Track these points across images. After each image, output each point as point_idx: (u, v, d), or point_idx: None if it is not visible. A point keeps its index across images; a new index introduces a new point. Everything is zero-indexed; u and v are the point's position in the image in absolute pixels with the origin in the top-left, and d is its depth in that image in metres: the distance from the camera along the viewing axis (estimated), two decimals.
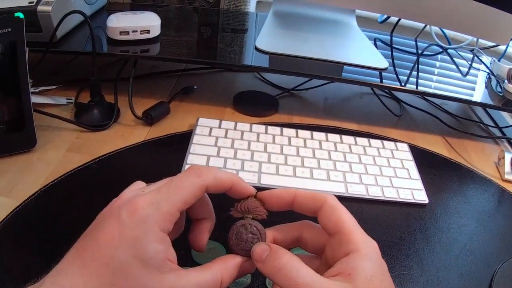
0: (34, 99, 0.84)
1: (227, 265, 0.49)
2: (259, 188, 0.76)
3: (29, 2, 0.90)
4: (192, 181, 0.47)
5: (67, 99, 0.96)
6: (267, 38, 1.09)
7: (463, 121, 1.16)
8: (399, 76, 1.06)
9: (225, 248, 0.65)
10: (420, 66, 1.15)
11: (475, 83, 1.16)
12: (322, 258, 0.51)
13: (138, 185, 0.53)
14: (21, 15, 0.74)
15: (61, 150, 0.83)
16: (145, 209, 0.44)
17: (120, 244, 0.42)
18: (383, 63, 1.06)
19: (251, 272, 0.51)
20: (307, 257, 0.53)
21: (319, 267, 0.49)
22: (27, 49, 0.77)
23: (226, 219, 0.54)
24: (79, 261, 0.42)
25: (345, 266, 0.45)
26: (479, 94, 1.11)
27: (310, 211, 0.51)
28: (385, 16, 1.34)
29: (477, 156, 1.02)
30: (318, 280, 0.44)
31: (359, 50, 1.11)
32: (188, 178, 0.48)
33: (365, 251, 0.46)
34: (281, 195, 0.53)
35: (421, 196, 0.83)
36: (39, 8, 0.89)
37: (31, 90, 0.79)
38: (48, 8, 0.90)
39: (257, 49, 1.04)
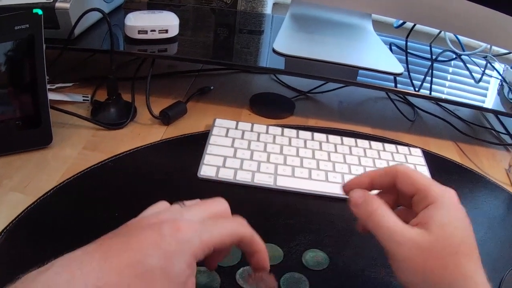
0: (51, 96, 0.85)
1: None
2: (275, 190, 0.78)
3: None
4: (235, 227, 0.51)
5: (83, 96, 0.97)
6: (285, 40, 1.09)
7: (475, 127, 1.17)
8: (413, 81, 1.06)
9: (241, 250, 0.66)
10: (434, 72, 1.15)
11: (487, 89, 1.16)
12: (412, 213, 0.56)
13: (163, 204, 0.55)
14: (39, 11, 0.74)
15: (77, 148, 0.84)
16: (188, 233, 0.45)
17: (153, 253, 0.43)
18: (399, 68, 1.06)
19: None
20: (403, 210, 0.59)
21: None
22: (44, 45, 0.77)
23: None
24: (100, 255, 0.43)
25: (422, 216, 0.52)
26: (491, 100, 1.11)
27: (390, 186, 0.58)
28: (401, 21, 1.34)
29: (488, 163, 1.02)
30: (399, 225, 0.52)
31: (375, 55, 1.12)
32: (233, 224, 0.51)
33: (440, 201, 0.52)
34: (359, 182, 0.59)
35: None
36: (57, 4, 0.90)
37: (48, 87, 0.79)
38: (66, 5, 0.90)
39: (274, 51, 1.05)
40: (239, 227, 0.51)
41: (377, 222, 0.53)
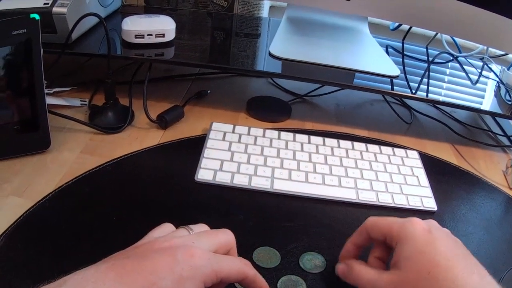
0: (48, 100, 0.84)
1: None
2: (272, 193, 0.78)
3: (44, 4, 0.90)
4: (242, 266, 0.52)
5: (81, 101, 0.97)
6: (281, 44, 1.09)
7: (472, 129, 1.17)
8: (410, 84, 1.06)
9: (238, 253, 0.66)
10: (431, 74, 1.15)
11: (484, 91, 1.16)
12: None
13: (169, 227, 0.57)
14: (37, 16, 0.74)
15: (75, 152, 0.84)
16: (201, 259, 0.47)
17: (166, 277, 0.44)
18: (395, 70, 1.06)
19: None
20: None
21: None
22: (41, 50, 0.77)
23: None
24: (113, 275, 0.43)
25: (394, 257, 0.57)
26: (488, 102, 1.11)
27: (371, 240, 0.63)
28: (397, 23, 1.34)
29: (485, 164, 1.02)
30: (377, 275, 0.57)
31: (371, 57, 1.12)
32: (241, 263, 0.53)
33: (403, 236, 0.56)
34: (348, 251, 0.65)
35: (430, 203, 0.84)
36: (55, 9, 0.90)
37: (46, 91, 0.79)
38: (63, 10, 0.90)
39: (271, 54, 1.05)
40: (245, 267, 0.52)
41: (361, 282, 0.59)
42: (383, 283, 0.55)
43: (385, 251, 0.62)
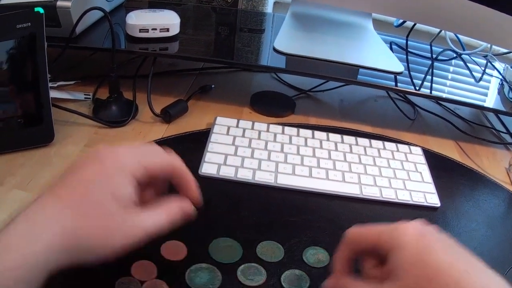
0: (52, 94, 0.85)
1: (171, 206, 0.55)
2: (276, 188, 0.78)
3: None
4: (172, 159, 0.57)
5: (85, 94, 0.97)
6: (286, 39, 1.09)
7: (475, 126, 1.17)
8: (414, 80, 1.06)
9: (242, 247, 0.66)
10: (434, 71, 1.15)
11: (488, 88, 1.16)
12: None
13: None
14: (41, 10, 0.75)
15: (79, 146, 0.84)
16: (125, 157, 0.52)
17: (99, 181, 0.49)
18: (399, 67, 1.06)
19: (190, 213, 0.57)
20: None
21: None
22: (46, 44, 0.77)
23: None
24: (52, 198, 0.47)
25: (389, 267, 0.51)
26: (491, 100, 1.11)
27: (359, 252, 0.57)
28: (401, 20, 1.34)
29: (488, 162, 1.02)
30: None
31: (375, 54, 1.12)
32: (170, 156, 0.57)
33: (396, 246, 0.51)
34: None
35: (433, 199, 0.84)
36: (59, 3, 0.90)
37: (49, 85, 0.79)
38: (67, 4, 0.90)
39: (275, 50, 1.05)
40: (174, 160, 0.57)
41: None
42: None
43: (377, 258, 0.56)
